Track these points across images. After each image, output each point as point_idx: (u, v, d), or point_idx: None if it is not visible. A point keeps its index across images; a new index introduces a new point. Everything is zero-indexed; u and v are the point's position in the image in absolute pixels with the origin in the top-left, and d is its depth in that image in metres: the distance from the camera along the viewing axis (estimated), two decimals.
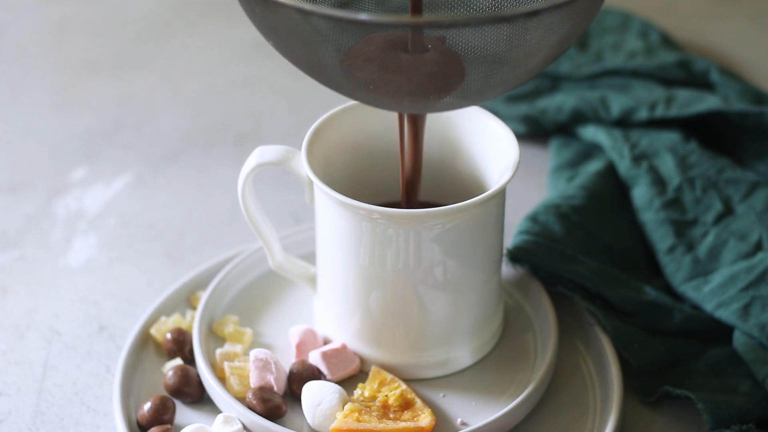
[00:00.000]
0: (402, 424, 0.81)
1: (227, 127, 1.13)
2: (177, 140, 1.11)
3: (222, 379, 0.85)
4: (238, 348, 0.87)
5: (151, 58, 1.22)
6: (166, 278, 0.96)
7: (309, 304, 0.91)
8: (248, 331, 0.88)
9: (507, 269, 0.91)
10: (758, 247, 0.95)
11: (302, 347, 0.87)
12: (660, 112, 1.07)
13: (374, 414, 0.81)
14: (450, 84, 0.73)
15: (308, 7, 0.68)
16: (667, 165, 1.01)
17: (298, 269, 0.89)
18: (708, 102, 1.07)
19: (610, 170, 1.03)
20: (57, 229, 1.01)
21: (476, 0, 0.82)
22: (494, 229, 0.84)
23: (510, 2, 0.81)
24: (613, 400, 0.83)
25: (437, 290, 0.83)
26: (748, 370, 0.87)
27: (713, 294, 0.91)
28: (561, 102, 1.09)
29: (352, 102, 0.86)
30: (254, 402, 0.82)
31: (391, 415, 0.82)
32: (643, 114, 1.07)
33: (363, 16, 0.67)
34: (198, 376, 0.85)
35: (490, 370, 0.87)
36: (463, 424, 0.82)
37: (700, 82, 1.13)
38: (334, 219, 0.82)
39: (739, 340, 0.88)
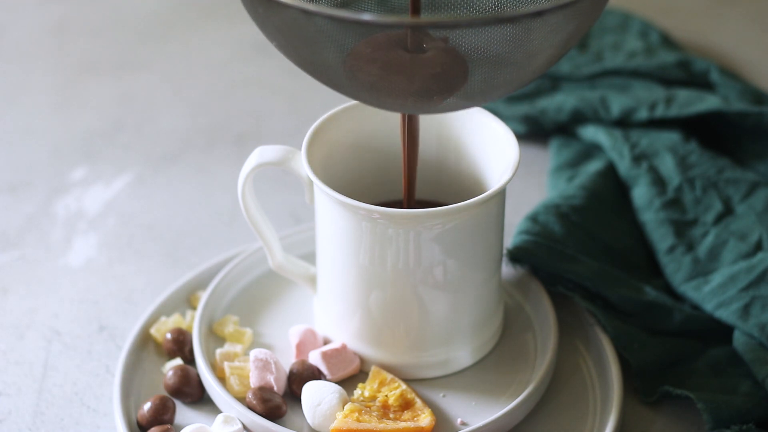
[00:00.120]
0: (402, 424, 0.81)
1: (227, 127, 1.13)
2: (177, 140, 1.11)
3: (222, 379, 0.85)
4: (238, 348, 0.87)
5: (151, 58, 1.22)
6: (166, 278, 0.96)
7: (309, 304, 0.91)
8: (248, 331, 0.88)
9: (507, 269, 0.91)
10: (758, 247, 0.95)
11: (302, 347, 0.87)
12: (660, 112, 1.07)
13: (374, 414, 0.81)
14: (453, 85, 0.73)
15: (311, 7, 0.68)
16: (667, 165, 1.01)
17: (298, 269, 0.89)
18: (708, 102, 1.07)
19: (610, 170, 1.03)
20: (57, 229, 1.01)
21: (479, 0, 0.82)
22: (494, 229, 0.84)
23: (512, 2, 0.81)
24: (613, 400, 0.83)
25: (437, 290, 0.83)
26: (748, 370, 0.87)
27: (713, 294, 0.91)
28: (561, 102, 1.09)
29: (352, 102, 0.86)
30: (254, 402, 0.82)
31: (391, 415, 0.82)
32: (643, 114, 1.07)
33: (366, 17, 0.67)
34: (198, 376, 0.85)
35: (490, 370, 0.87)
36: (463, 424, 0.82)
37: (700, 82, 1.13)
38: (334, 219, 0.82)
39: (739, 340, 0.88)
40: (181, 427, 0.83)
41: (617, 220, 0.98)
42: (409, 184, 0.84)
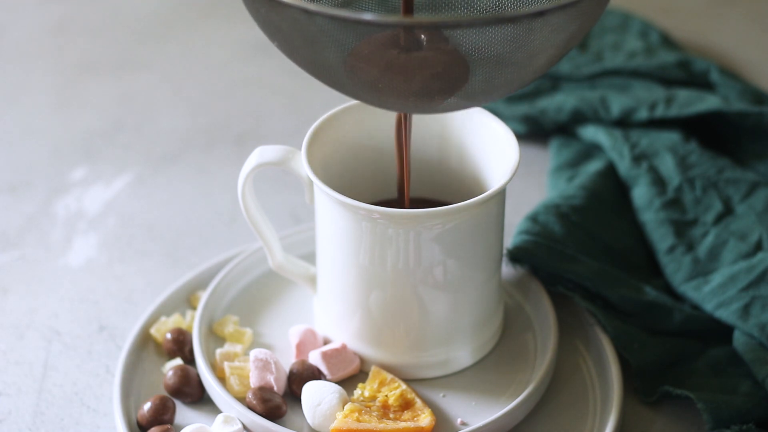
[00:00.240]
0: (402, 424, 0.81)
1: (227, 127, 1.13)
2: (177, 140, 1.11)
3: (222, 379, 0.85)
4: (238, 348, 0.87)
5: (151, 58, 1.22)
6: (166, 278, 0.96)
7: (309, 304, 0.91)
8: (248, 331, 0.88)
9: (507, 269, 0.91)
10: (758, 247, 0.95)
11: (302, 347, 0.87)
12: (660, 112, 1.07)
13: (374, 414, 0.81)
14: (454, 85, 0.73)
15: (313, 7, 0.68)
16: (667, 165, 1.01)
17: (298, 269, 0.89)
18: (708, 102, 1.07)
19: (610, 170, 1.03)
20: (57, 229, 1.01)
21: (480, 0, 0.82)
22: (494, 229, 0.84)
23: (513, 2, 0.81)
24: (613, 400, 0.83)
25: (437, 290, 0.83)
26: (748, 370, 0.87)
27: (713, 294, 0.91)
28: (561, 102, 1.09)
29: (352, 102, 0.86)
30: (254, 402, 0.82)
31: (391, 415, 0.82)
32: (643, 114, 1.07)
33: (367, 17, 0.67)
34: (198, 376, 0.85)
35: (490, 370, 0.87)
36: (463, 424, 0.82)
37: (700, 82, 1.13)
38: (334, 219, 0.82)
39: (739, 340, 0.88)
40: (181, 427, 0.83)
41: (617, 220, 0.98)
42: (400, 184, 0.84)
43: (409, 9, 0.78)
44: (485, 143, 0.86)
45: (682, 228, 0.97)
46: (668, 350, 0.88)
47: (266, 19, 0.73)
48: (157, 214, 1.03)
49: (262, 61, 1.21)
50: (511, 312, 0.91)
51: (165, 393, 0.85)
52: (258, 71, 1.20)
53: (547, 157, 1.08)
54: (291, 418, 0.83)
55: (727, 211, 0.98)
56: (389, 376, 0.84)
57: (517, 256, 0.90)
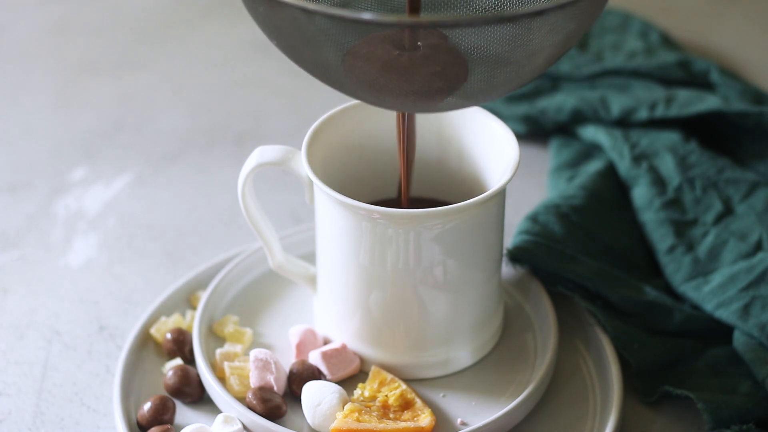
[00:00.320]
0: (402, 424, 0.81)
1: (227, 127, 1.13)
2: (177, 140, 1.11)
3: (222, 379, 0.85)
4: (238, 348, 0.87)
5: (151, 58, 1.22)
6: (166, 278, 0.96)
7: (309, 304, 0.91)
8: (248, 331, 0.88)
9: (507, 269, 0.91)
10: (758, 247, 0.95)
11: (302, 347, 0.87)
12: (660, 112, 1.07)
13: (374, 414, 0.81)
14: (453, 84, 0.73)
15: (312, 6, 0.68)
16: (667, 165, 1.01)
17: (298, 269, 0.89)
18: (708, 102, 1.07)
19: (610, 170, 1.03)
20: (57, 229, 1.01)
21: (479, 0, 0.82)
22: (494, 229, 0.84)
23: (512, 2, 0.81)
24: (613, 400, 0.83)
25: (437, 290, 0.83)
26: (748, 370, 0.87)
27: (713, 294, 0.91)
28: (561, 102, 1.09)
29: (351, 102, 0.86)
30: (254, 402, 0.82)
31: (391, 415, 0.82)
32: (643, 114, 1.07)
33: (366, 16, 0.67)
34: (198, 376, 0.85)
35: (490, 370, 0.87)
36: (463, 424, 0.82)
37: (700, 82, 1.13)
38: (334, 219, 0.82)
39: (739, 340, 0.88)
40: (181, 427, 0.83)
41: (617, 220, 0.98)
42: (405, 183, 0.84)
43: (415, 8, 0.78)
44: (485, 143, 0.86)
45: (682, 228, 0.97)
46: (668, 350, 0.88)
47: (265, 18, 0.73)
48: (157, 214, 1.03)
49: (262, 61, 1.21)
50: (511, 312, 0.91)
51: (165, 393, 0.85)
52: (258, 71, 1.20)
53: (547, 157, 1.08)
54: (291, 418, 0.83)
55: (727, 211, 0.98)
56: (389, 376, 0.84)
57: (517, 256, 0.90)
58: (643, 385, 0.87)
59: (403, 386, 0.83)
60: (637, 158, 1.02)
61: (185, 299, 0.92)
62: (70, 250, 0.99)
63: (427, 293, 0.83)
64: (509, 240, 0.93)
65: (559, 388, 0.86)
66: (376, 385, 0.84)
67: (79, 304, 0.94)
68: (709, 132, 1.08)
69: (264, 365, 0.84)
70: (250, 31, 1.23)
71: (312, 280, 0.89)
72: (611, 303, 0.90)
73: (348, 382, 0.85)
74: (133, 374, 0.86)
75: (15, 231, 1.01)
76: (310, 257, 0.92)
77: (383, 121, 0.87)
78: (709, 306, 0.91)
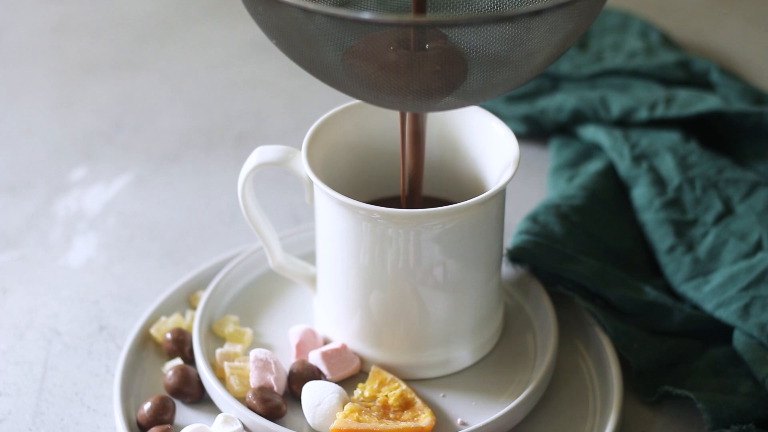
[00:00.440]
0: (402, 424, 0.81)
1: (227, 127, 1.13)
2: (177, 140, 1.11)
3: (222, 379, 0.85)
4: (238, 348, 0.87)
5: (151, 58, 1.22)
6: (166, 278, 0.96)
7: (309, 304, 0.91)
8: (248, 331, 0.88)
9: (507, 269, 0.91)
10: (758, 247, 0.95)
11: (302, 347, 0.87)
12: (660, 112, 1.07)
13: (374, 414, 0.81)
14: (453, 83, 0.73)
15: (311, 6, 0.68)
16: (667, 165, 1.01)
17: (298, 269, 0.89)
18: (708, 102, 1.07)
19: (610, 170, 1.03)
20: (57, 229, 1.01)
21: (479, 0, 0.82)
22: (494, 229, 0.84)
23: (511, 1, 0.81)
24: (613, 400, 0.83)
25: (437, 290, 0.83)
26: (748, 370, 0.87)
27: (713, 294, 0.91)
28: (561, 102, 1.09)
29: (351, 102, 0.86)
30: (254, 402, 0.82)
31: (391, 415, 0.82)
32: (643, 114, 1.07)
33: (366, 15, 0.67)
34: (198, 376, 0.85)
35: (490, 370, 0.87)
36: (463, 424, 0.82)
37: (700, 82, 1.13)
38: (334, 219, 0.82)
39: (739, 340, 0.88)
40: (181, 427, 0.83)
41: (617, 220, 0.98)
42: (412, 185, 0.84)
43: (421, 8, 0.78)
44: (485, 143, 0.86)
45: (682, 228, 0.97)
46: (668, 350, 0.88)
47: (265, 18, 0.73)
48: (157, 214, 1.03)
49: (262, 61, 1.21)
50: (511, 312, 0.91)
51: (165, 393, 0.85)
52: (258, 71, 1.20)
53: (547, 157, 1.08)
54: (291, 418, 0.83)
55: (727, 211, 0.98)
56: (389, 376, 0.84)
57: (517, 256, 0.90)
58: (643, 385, 0.87)
59: (403, 386, 0.84)
60: (637, 158, 1.02)
61: (185, 299, 0.92)
62: (70, 250, 0.99)
63: (427, 293, 0.83)
64: (509, 240, 0.93)
65: (559, 388, 0.86)
66: (376, 385, 0.84)
67: (79, 304, 0.94)
68: (709, 132, 1.08)
69: (264, 365, 0.84)
70: (250, 31, 1.23)
71: (312, 280, 0.89)
72: (611, 303, 0.90)
73: (348, 382, 0.85)
74: (133, 374, 0.86)
75: (15, 231, 1.01)
76: (310, 257, 0.92)
77: (383, 121, 0.87)
78: (709, 306, 0.91)
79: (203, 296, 0.89)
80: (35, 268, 0.97)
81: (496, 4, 0.81)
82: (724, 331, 0.90)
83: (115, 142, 1.11)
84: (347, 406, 0.81)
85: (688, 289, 0.92)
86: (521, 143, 0.89)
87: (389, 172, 0.89)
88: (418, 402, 0.82)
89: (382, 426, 0.80)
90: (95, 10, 1.29)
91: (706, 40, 1.24)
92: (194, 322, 0.87)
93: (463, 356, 0.86)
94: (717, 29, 1.26)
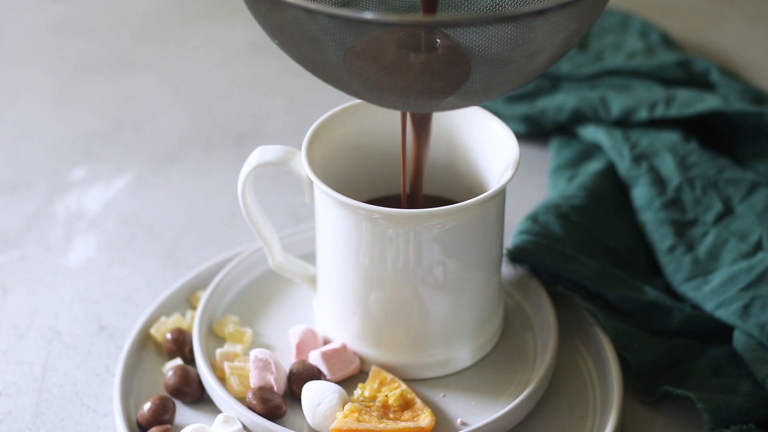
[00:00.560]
0: (402, 424, 0.81)
1: (227, 127, 1.13)
2: (177, 140, 1.11)
3: (222, 379, 0.85)
4: (238, 348, 0.87)
5: (151, 58, 1.22)
6: (166, 278, 0.96)
7: (309, 304, 0.91)
8: (248, 331, 0.88)
9: (507, 269, 0.91)
10: (758, 247, 0.95)
11: (302, 347, 0.87)
12: (660, 112, 1.07)
13: (374, 414, 0.81)
14: (455, 83, 0.73)
15: (313, 6, 0.68)
16: (667, 165, 1.01)
17: (298, 269, 0.89)
18: (708, 102, 1.07)
19: (610, 170, 1.03)
20: (57, 229, 1.01)
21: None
22: (494, 229, 0.84)
23: (514, 1, 0.81)
24: (613, 400, 0.83)
25: (437, 290, 0.83)
26: (748, 370, 0.87)
27: (713, 294, 0.91)
28: (561, 102, 1.09)
29: (351, 102, 0.86)
30: (254, 402, 0.82)
31: (391, 415, 0.82)
32: (643, 114, 1.07)
33: (368, 15, 0.67)
34: (198, 376, 0.85)
35: (490, 370, 0.87)
36: (463, 424, 0.82)
37: (700, 82, 1.13)
38: (334, 219, 0.82)
39: (739, 340, 0.88)
40: (181, 427, 0.83)
41: (617, 220, 0.98)
42: (413, 185, 0.84)
43: (431, 8, 0.77)
44: (485, 143, 0.86)
45: (682, 228, 0.97)
46: (668, 350, 0.88)
47: (267, 18, 0.73)
48: (157, 214, 1.03)
49: (262, 61, 1.21)
50: (511, 312, 0.91)
51: (165, 393, 0.85)
52: (258, 71, 1.20)
53: (547, 157, 1.08)
54: (291, 418, 0.83)
55: (727, 211, 0.98)
56: (389, 376, 0.84)
57: (517, 256, 0.90)
58: (643, 385, 0.87)
59: (403, 386, 0.83)
60: (637, 158, 1.02)
61: (185, 299, 0.92)
62: (70, 250, 0.99)
63: (427, 293, 0.83)
64: (509, 240, 0.93)
65: (559, 388, 0.86)
66: (376, 385, 0.84)
67: (79, 304, 0.94)
68: (709, 132, 1.08)
69: (264, 365, 0.84)
70: (250, 31, 1.23)
71: (312, 280, 0.89)
72: (611, 303, 0.90)
73: (348, 382, 0.85)
74: (133, 374, 0.86)
75: (15, 231, 1.01)
76: (310, 257, 0.92)
77: (383, 121, 0.87)
78: (709, 306, 0.91)
79: (203, 296, 0.89)
80: (35, 268, 0.97)
81: (498, 4, 0.81)
82: (724, 331, 0.90)
83: (115, 142, 1.11)
84: (347, 406, 0.81)
85: (688, 289, 0.92)
86: (521, 143, 0.89)
87: (389, 172, 0.89)
88: (418, 402, 0.82)
89: (382, 426, 0.80)
90: (95, 10, 1.29)
91: (706, 40, 1.24)
92: (194, 322, 0.87)
93: (463, 356, 0.86)
94: (717, 29, 1.26)
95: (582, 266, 0.90)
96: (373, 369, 0.85)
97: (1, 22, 1.27)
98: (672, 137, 1.05)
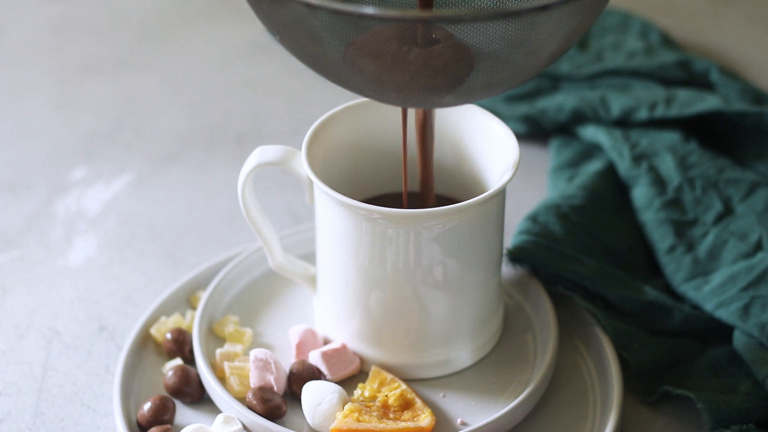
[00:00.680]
0: (402, 424, 0.81)
1: (227, 127, 1.13)
2: (177, 140, 1.11)
3: (222, 379, 0.85)
4: (238, 348, 0.87)
5: (151, 58, 1.22)
6: (166, 278, 0.96)
7: (309, 304, 0.91)
8: (248, 331, 0.88)
9: (507, 269, 0.91)
10: (758, 247, 0.95)
11: (302, 347, 0.87)
12: (660, 112, 1.07)
13: (374, 414, 0.81)
14: (457, 79, 0.73)
15: (315, 1, 0.68)
16: (667, 165, 1.01)
17: (298, 269, 0.89)
18: (708, 102, 1.07)
19: (610, 170, 1.03)
20: (57, 229, 1.01)
21: None
22: (494, 229, 0.84)
23: None
24: (613, 400, 0.83)
25: (437, 290, 0.83)
26: (748, 370, 0.87)
27: (713, 294, 0.91)
28: (561, 102, 1.09)
29: (351, 102, 0.86)
30: (254, 402, 0.82)
31: (391, 415, 0.82)
32: (643, 114, 1.07)
33: (370, 11, 0.67)
34: (198, 376, 0.85)
35: (490, 370, 0.87)
36: (463, 424, 0.82)
37: (700, 82, 1.13)
38: (334, 219, 0.82)
39: (739, 340, 0.88)
40: (181, 427, 0.83)
41: (617, 220, 0.98)
42: (424, 183, 0.84)
43: (427, 3, 0.77)
44: (485, 143, 0.86)
45: (682, 228, 0.97)
46: (668, 350, 0.88)
47: (268, 14, 0.73)
48: (157, 214, 1.03)
49: (262, 61, 1.21)
50: (511, 312, 0.91)
51: (165, 393, 0.85)
52: (258, 71, 1.20)
53: (547, 157, 1.08)
54: (291, 418, 0.83)
55: (727, 211, 0.98)
56: (389, 376, 0.84)
57: (517, 256, 0.90)
58: (643, 385, 0.86)
59: (403, 386, 0.83)
60: (637, 158, 1.02)
61: (185, 299, 0.92)
62: (70, 250, 0.99)
63: (427, 293, 0.83)
64: (509, 240, 0.93)
65: (559, 388, 0.86)
66: (376, 385, 0.84)
67: (79, 304, 0.94)
68: (709, 132, 1.08)
69: (264, 365, 0.84)
70: (250, 31, 1.23)
71: (312, 280, 0.89)
72: (611, 303, 0.90)
73: (348, 382, 0.85)
74: (133, 374, 0.86)
75: (15, 231, 1.01)
76: (310, 257, 0.92)
77: (383, 121, 0.87)
78: (709, 306, 0.91)
79: (203, 296, 0.89)
80: (35, 268, 0.97)
81: (498, 1, 0.81)
82: (724, 331, 0.90)
83: (115, 142, 1.11)
84: (347, 406, 0.81)
85: (688, 289, 0.92)
86: (521, 143, 0.89)
87: (389, 172, 0.89)
88: (418, 402, 0.82)
89: (382, 426, 0.80)
90: (95, 10, 1.29)
91: (706, 40, 1.24)
92: (194, 322, 0.87)
93: (463, 356, 0.86)
94: (717, 29, 1.26)
95: (582, 266, 0.90)
96: (373, 369, 0.85)
97: (1, 22, 1.27)
98: (672, 137, 1.05)
